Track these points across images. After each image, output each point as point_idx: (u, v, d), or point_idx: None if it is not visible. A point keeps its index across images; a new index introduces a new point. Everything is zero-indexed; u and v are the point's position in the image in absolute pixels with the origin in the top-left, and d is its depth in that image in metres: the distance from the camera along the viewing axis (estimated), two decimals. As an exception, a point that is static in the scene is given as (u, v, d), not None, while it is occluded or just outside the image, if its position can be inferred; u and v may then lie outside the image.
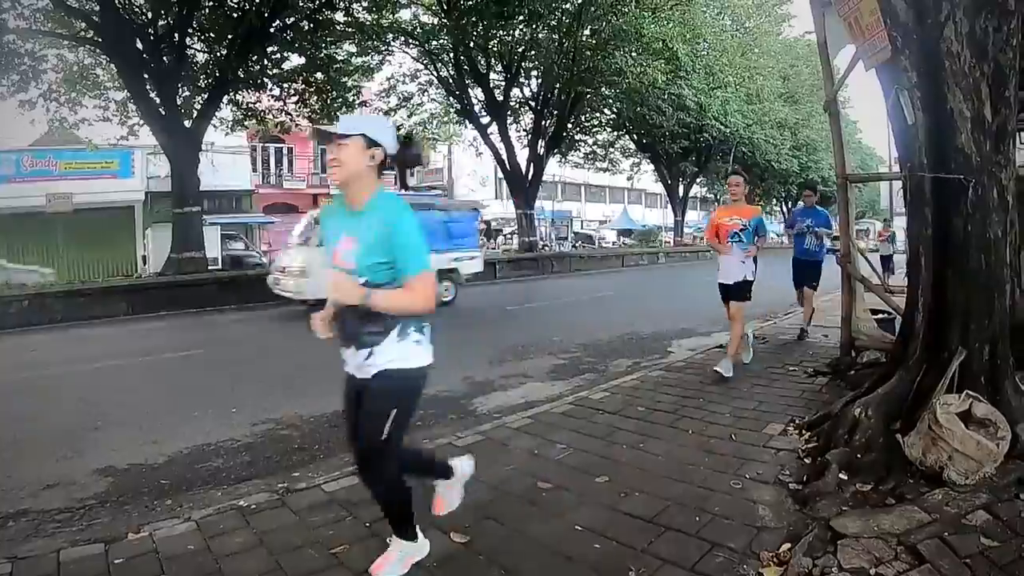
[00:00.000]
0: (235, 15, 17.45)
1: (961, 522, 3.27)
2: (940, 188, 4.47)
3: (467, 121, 27.61)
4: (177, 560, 3.29)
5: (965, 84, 4.28)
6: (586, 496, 3.92)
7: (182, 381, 8.13)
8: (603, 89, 26.79)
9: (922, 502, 3.51)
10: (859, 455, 4.11)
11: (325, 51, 19.93)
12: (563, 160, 37.46)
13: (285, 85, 20.53)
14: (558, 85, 25.12)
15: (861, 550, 3.06)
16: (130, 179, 27.00)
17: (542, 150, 26.95)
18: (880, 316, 7.64)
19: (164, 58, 16.96)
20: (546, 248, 33.30)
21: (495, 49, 24.33)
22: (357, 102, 22.40)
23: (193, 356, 9.62)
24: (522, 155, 27.34)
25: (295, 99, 20.93)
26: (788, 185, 46.64)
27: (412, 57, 26.03)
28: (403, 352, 2.92)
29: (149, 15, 17.05)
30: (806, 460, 4.37)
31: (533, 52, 24.62)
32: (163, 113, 16.90)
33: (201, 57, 19.09)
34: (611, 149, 39.94)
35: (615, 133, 37.54)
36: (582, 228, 47.54)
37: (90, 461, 5.15)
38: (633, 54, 22.49)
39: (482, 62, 24.74)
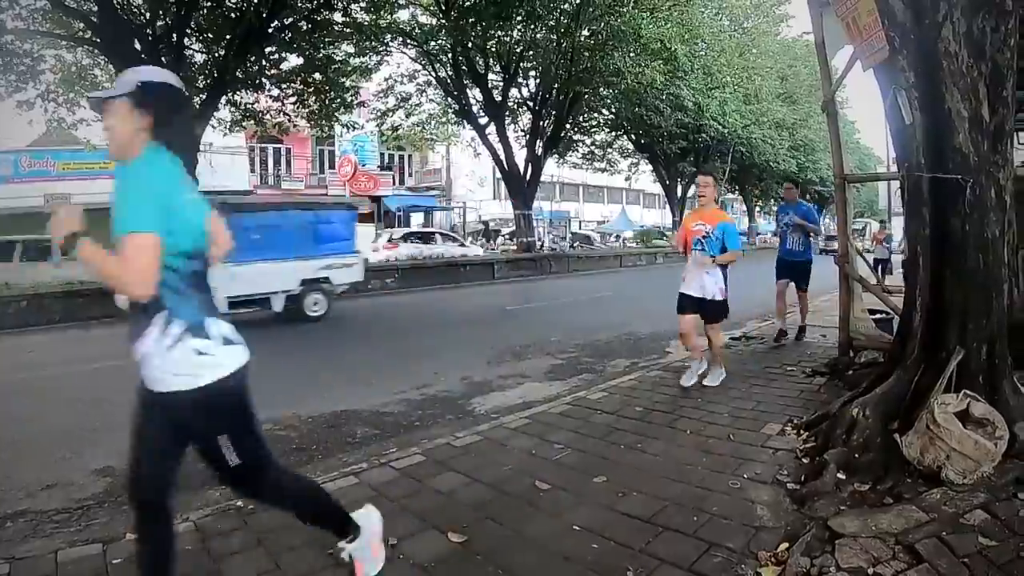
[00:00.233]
0: (233, 16, 17.41)
1: (959, 521, 3.27)
2: (938, 188, 4.47)
3: (465, 121, 27.59)
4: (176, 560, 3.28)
5: (963, 84, 4.29)
6: (584, 496, 3.92)
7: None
8: (601, 89, 26.80)
9: (920, 501, 3.51)
10: (857, 455, 4.11)
11: (323, 51, 19.88)
12: (561, 161, 37.48)
13: (283, 86, 20.48)
14: (556, 85, 25.12)
15: (859, 549, 3.06)
16: (128, 180, 26.96)
17: (540, 150, 26.94)
18: (878, 316, 7.64)
19: (162, 58, 16.89)
20: (544, 248, 33.25)
21: (493, 49, 24.33)
22: (355, 102, 22.39)
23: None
24: (520, 155, 27.34)
25: (293, 100, 20.90)
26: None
27: (410, 57, 26.04)
28: (180, 364, 2.41)
29: (147, 15, 16.99)
30: (804, 460, 4.37)
31: (531, 53, 24.62)
32: (161, 113, 16.84)
33: (199, 58, 19.04)
34: (609, 149, 40.01)
35: (613, 133, 37.60)
36: (580, 229, 47.49)
37: (88, 462, 5.15)
38: (631, 55, 22.49)
39: (480, 62, 24.74)
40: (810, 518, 3.48)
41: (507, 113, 27.63)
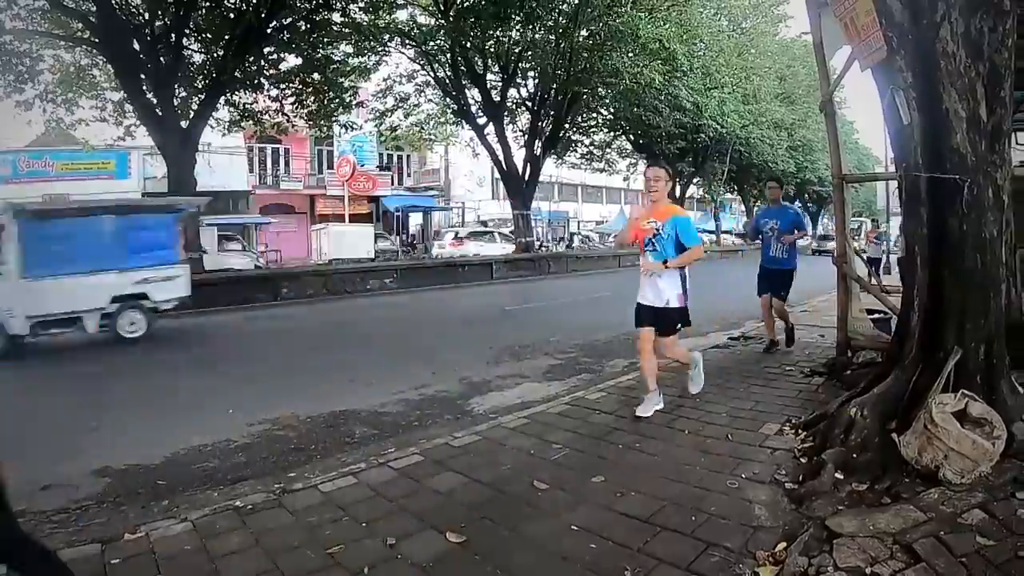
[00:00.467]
0: (232, 16, 17.43)
1: (957, 521, 3.27)
2: (936, 188, 4.47)
3: (464, 122, 27.58)
4: (173, 560, 3.29)
5: (960, 84, 4.29)
6: (582, 496, 3.92)
7: (178, 382, 8.12)
8: (600, 90, 26.77)
9: (918, 501, 3.52)
10: (855, 455, 4.11)
11: (322, 52, 19.91)
12: (560, 161, 37.46)
13: (282, 86, 20.49)
14: (555, 86, 25.12)
15: (857, 549, 3.07)
16: (126, 180, 27.01)
17: (539, 151, 26.94)
18: (876, 316, 7.65)
19: (161, 59, 16.92)
20: (543, 248, 33.25)
21: (492, 50, 24.34)
22: (354, 102, 22.39)
23: (189, 357, 9.60)
24: (519, 156, 27.33)
25: (292, 100, 20.90)
26: (785, 186, 46.62)
27: (409, 58, 26.04)
28: None
29: (146, 16, 17.00)
30: (802, 460, 4.37)
31: (530, 53, 24.61)
32: (160, 114, 16.86)
33: (198, 58, 19.04)
34: (608, 150, 39.95)
35: (611, 133, 37.56)
36: (579, 229, 47.48)
37: (87, 462, 5.15)
38: (629, 55, 22.48)
39: (479, 63, 24.75)
40: (808, 518, 3.48)
41: (506, 113, 27.62)
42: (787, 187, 45.66)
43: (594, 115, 33.64)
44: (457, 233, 25.38)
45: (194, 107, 18.53)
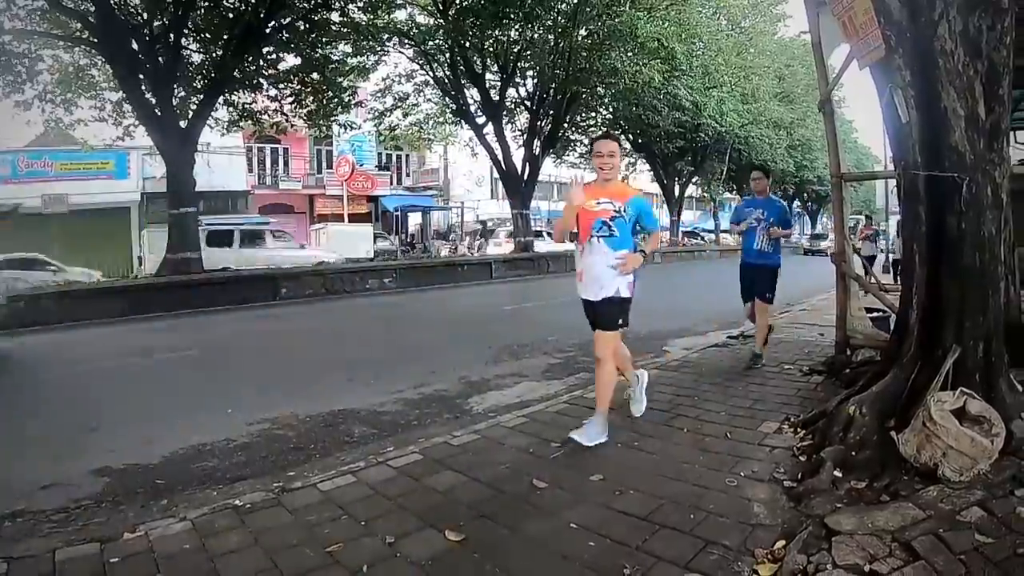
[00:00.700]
0: (231, 15, 17.42)
1: (956, 519, 3.28)
2: (934, 186, 4.48)
3: (463, 121, 27.56)
4: (172, 559, 3.29)
5: (959, 82, 4.30)
6: (581, 494, 3.93)
7: (177, 381, 8.11)
8: (599, 89, 26.78)
9: (916, 499, 3.52)
10: (854, 452, 4.12)
11: (321, 51, 19.89)
12: (559, 160, 37.45)
13: (281, 85, 20.47)
14: (553, 85, 25.12)
15: (856, 547, 3.07)
16: (126, 180, 27.00)
17: (537, 150, 26.94)
18: (875, 315, 7.65)
19: (159, 59, 16.90)
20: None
21: (491, 49, 24.33)
22: (353, 102, 22.37)
23: (189, 356, 9.60)
24: (517, 155, 27.32)
25: (291, 99, 20.88)
26: (784, 184, 46.64)
27: (408, 57, 26.03)
28: None
29: (144, 16, 16.99)
30: (801, 458, 4.38)
31: (529, 52, 24.59)
32: (159, 114, 16.84)
33: (196, 57, 19.02)
34: (607, 149, 39.92)
35: (611, 133, 37.55)
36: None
37: (86, 461, 5.13)
38: (628, 54, 22.49)
39: (478, 62, 24.74)
40: (807, 516, 3.48)
41: (504, 113, 27.62)
42: (787, 186, 45.77)
43: (593, 114, 33.62)
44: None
45: (193, 107, 18.53)
